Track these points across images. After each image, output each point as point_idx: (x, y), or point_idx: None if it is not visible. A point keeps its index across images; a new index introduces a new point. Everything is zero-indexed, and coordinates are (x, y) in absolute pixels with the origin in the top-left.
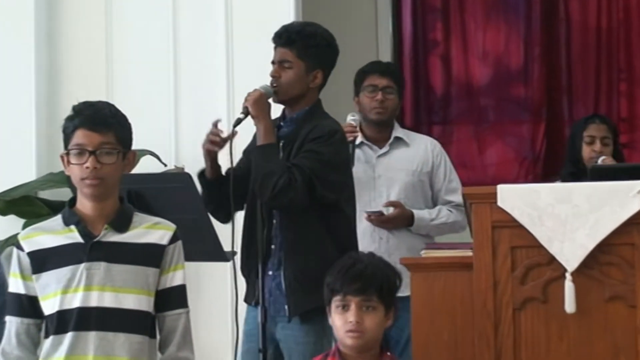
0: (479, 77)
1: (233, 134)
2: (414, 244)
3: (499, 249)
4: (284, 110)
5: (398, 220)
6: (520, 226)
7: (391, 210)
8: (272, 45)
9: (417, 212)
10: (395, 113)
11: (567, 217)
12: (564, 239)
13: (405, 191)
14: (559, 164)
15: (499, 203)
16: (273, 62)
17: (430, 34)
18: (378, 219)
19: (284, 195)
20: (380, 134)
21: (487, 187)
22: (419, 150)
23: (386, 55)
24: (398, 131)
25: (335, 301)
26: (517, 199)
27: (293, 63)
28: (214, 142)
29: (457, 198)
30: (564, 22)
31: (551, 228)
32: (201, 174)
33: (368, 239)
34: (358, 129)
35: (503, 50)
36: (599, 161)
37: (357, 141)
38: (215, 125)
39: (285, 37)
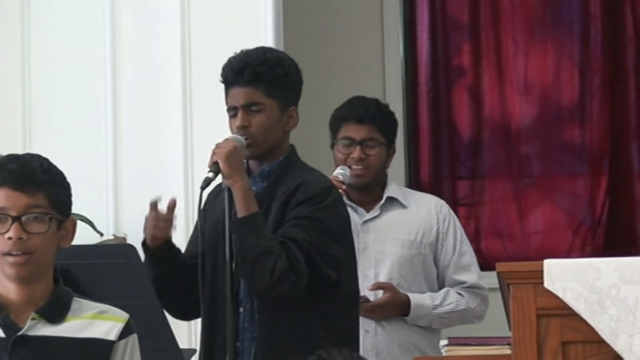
0: (519, 117)
1: (200, 199)
2: (411, 338)
3: (547, 345)
4: (247, 164)
5: (388, 308)
6: (574, 315)
7: (379, 294)
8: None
9: (414, 297)
10: (383, 170)
11: (637, 303)
12: (633, 332)
13: (400, 269)
14: (626, 231)
15: (547, 284)
16: (233, 109)
17: (455, 59)
18: (360, 307)
19: (286, 281)
20: (367, 196)
21: (531, 263)
22: (419, 214)
23: (395, 87)
24: (392, 190)
25: None
26: (570, 278)
27: (264, 104)
28: (158, 229)
29: (471, 277)
30: (633, 42)
31: (616, 317)
32: (144, 244)
33: None
34: (344, 186)
35: (552, 80)
36: None
37: None
38: (153, 207)
39: (248, 73)
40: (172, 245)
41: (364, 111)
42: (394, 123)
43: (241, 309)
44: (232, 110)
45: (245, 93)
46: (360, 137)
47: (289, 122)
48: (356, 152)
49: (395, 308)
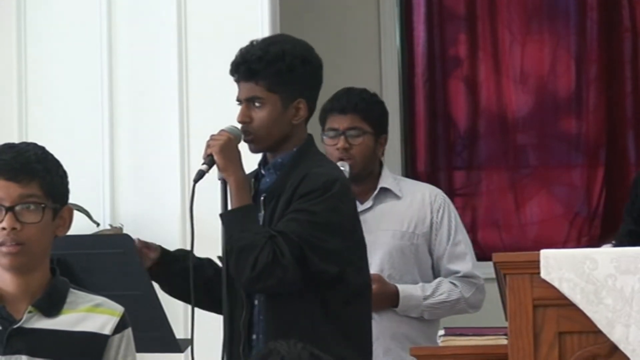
0: (515, 107)
1: (193, 192)
2: (403, 329)
3: (543, 335)
4: (264, 154)
5: (375, 299)
6: (570, 305)
7: None
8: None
9: (403, 288)
10: (372, 159)
11: (633, 293)
12: (629, 322)
13: (391, 259)
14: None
15: (543, 275)
16: (238, 101)
17: (451, 49)
18: None
19: (269, 276)
20: (360, 186)
21: (527, 254)
22: (413, 204)
23: (392, 78)
24: (386, 180)
25: None
26: (566, 269)
27: (264, 99)
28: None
29: (465, 267)
30: (629, 32)
31: (612, 307)
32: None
33: None
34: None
35: (548, 71)
36: None
37: None
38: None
39: (245, 69)
40: (167, 261)
41: (346, 101)
42: (381, 111)
43: (255, 301)
44: (238, 101)
45: (246, 88)
46: (344, 127)
47: (296, 115)
48: (340, 142)
49: (383, 300)
